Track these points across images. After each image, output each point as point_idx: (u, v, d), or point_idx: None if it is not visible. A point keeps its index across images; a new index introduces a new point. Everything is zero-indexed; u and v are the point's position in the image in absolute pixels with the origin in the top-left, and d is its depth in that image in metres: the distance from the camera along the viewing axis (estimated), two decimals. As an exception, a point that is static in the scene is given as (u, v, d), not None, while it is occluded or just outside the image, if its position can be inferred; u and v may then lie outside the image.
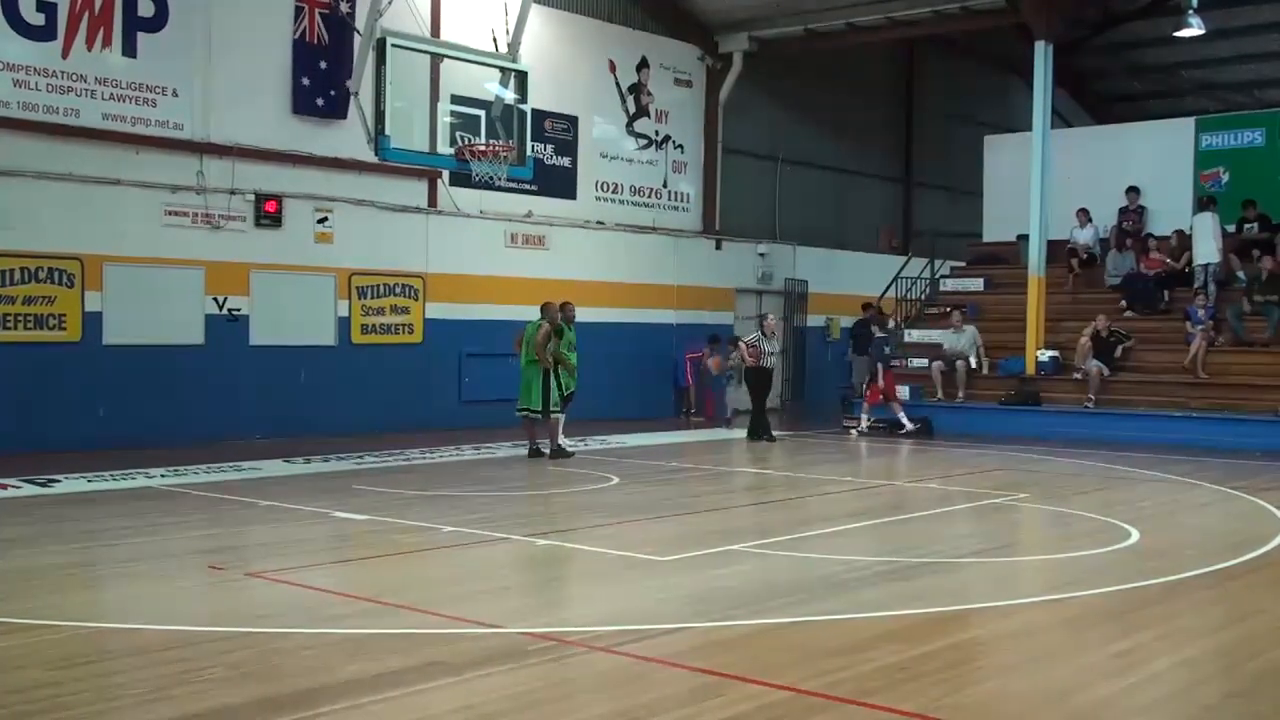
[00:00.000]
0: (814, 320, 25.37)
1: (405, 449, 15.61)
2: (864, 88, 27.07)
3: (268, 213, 16.89)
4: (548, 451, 15.02)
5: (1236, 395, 18.12)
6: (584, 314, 20.63)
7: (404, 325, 18.56)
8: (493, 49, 16.00)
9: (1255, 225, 21.19)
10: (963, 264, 24.82)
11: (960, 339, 20.65)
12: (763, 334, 18.44)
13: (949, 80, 28.62)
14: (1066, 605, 7.60)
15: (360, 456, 14.79)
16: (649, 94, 22.42)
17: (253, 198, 16.77)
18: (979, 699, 5.72)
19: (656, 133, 22.61)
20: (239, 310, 16.69)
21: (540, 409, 14.94)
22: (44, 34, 14.98)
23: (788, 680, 5.76)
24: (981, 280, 23.39)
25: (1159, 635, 6.94)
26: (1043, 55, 20.17)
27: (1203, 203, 21.18)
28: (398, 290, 18.48)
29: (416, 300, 18.70)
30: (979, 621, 7.24)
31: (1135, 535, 10.02)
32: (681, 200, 23.08)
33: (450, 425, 18.02)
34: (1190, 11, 22.99)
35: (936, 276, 24.39)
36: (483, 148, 17.06)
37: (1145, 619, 7.29)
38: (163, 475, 12.87)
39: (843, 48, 24.17)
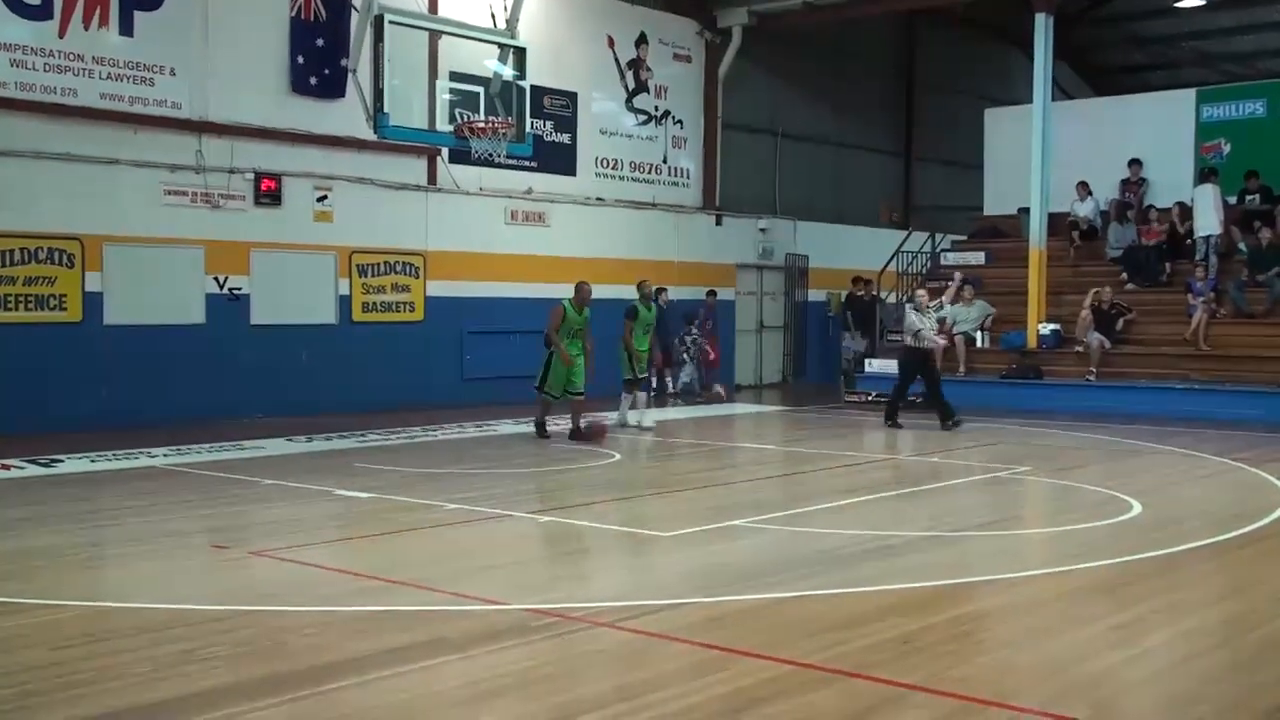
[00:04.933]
0: (815, 295, 25.36)
1: (407, 427, 15.63)
2: (864, 61, 26.98)
3: (267, 191, 16.86)
4: (583, 426, 14.70)
5: (1238, 367, 18.11)
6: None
7: (405, 303, 18.55)
8: (491, 25, 15.93)
9: (1257, 197, 21.15)
10: (964, 238, 24.78)
11: (969, 312, 20.67)
12: (917, 309, 16.50)
13: (949, 53, 28.51)
14: (1068, 577, 7.62)
15: (362, 435, 14.82)
16: (648, 69, 22.35)
17: (252, 177, 16.74)
18: (981, 671, 5.74)
19: (656, 108, 22.54)
20: (239, 290, 16.69)
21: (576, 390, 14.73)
22: (41, 13, 14.92)
23: (790, 654, 5.78)
24: (983, 254, 23.35)
25: (1160, 607, 6.96)
26: (1043, 27, 20.08)
27: (1204, 174, 21.15)
28: (398, 268, 18.47)
29: (417, 278, 18.69)
30: (981, 594, 7.26)
31: (1137, 507, 10.04)
32: (681, 176, 23.04)
33: (452, 403, 18.04)
34: (1193, -19, 22.90)
35: (938, 250, 24.37)
36: (482, 125, 17.01)
37: (1146, 591, 7.30)
38: (165, 455, 12.89)
39: (842, 21, 24.09)
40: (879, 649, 5.93)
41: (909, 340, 16.28)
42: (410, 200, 18.64)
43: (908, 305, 16.74)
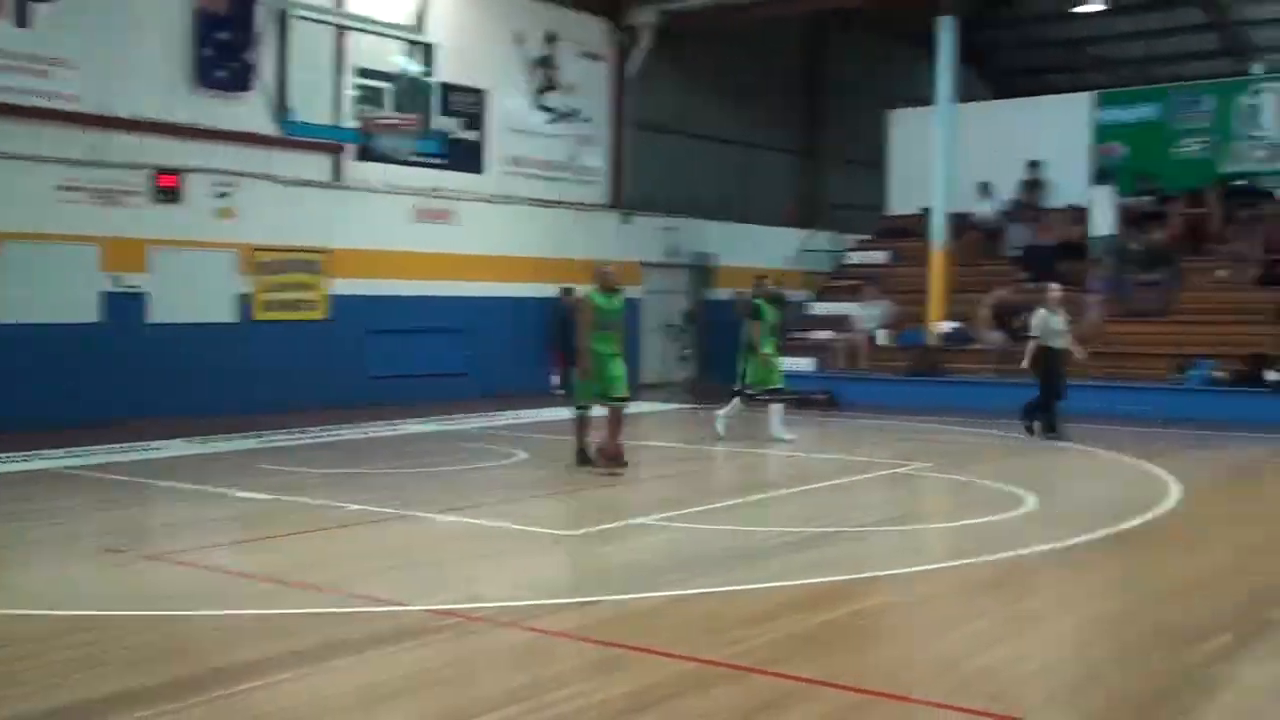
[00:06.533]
0: (722, 293, 25.51)
1: (309, 427, 15.44)
2: (773, 62, 27.19)
3: (167, 187, 16.52)
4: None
5: (1130, 364, 18.56)
6: (490, 289, 20.66)
7: (308, 301, 18.31)
8: (399, 21, 15.82)
9: (1149, 198, 21.72)
10: (869, 237, 25.12)
11: (872, 310, 20.96)
12: (1047, 309, 15.30)
13: (855, 54, 28.82)
14: (965, 571, 7.77)
15: (263, 435, 14.61)
16: (557, 67, 22.30)
17: (152, 173, 16.40)
18: (880, 665, 5.84)
19: (565, 106, 22.52)
20: (136, 287, 16.35)
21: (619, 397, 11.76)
22: (-70, 3, 14.50)
23: (692, 651, 5.83)
24: (887, 253, 23.70)
25: (1052, 599, 7.13)
26: (947, 30, 20.44)
27: (1099, 176, 21.71)
28: (302, 266, 18.22)
29: (322, 276, 18.46)
30: (881, 589, 7.37)
31: (1032, 502, 10.26)
32: (589, 174, 23.03)
33: (357, 403, 17.85)
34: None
35: (842, 249, 24.67)
36: (389, 121, 16.94)
37: (1040, 583, 7.48)
38: (58, 457, 12.59)
39: (751, 22, 24.25)
40: (780, 645, 6.01)
41: (1047, 342, 15.02)
42: (315, 197, 18.39)
43: (1039, 308, 15.37)
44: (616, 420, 11.69)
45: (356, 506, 9.74)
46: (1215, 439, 15.11)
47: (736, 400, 14.77)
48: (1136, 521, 9.45)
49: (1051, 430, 14.87)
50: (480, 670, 5.74)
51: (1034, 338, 15.15)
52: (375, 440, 14.73)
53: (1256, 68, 24.41)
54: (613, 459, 11.69)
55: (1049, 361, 15.03)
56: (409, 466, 12.45)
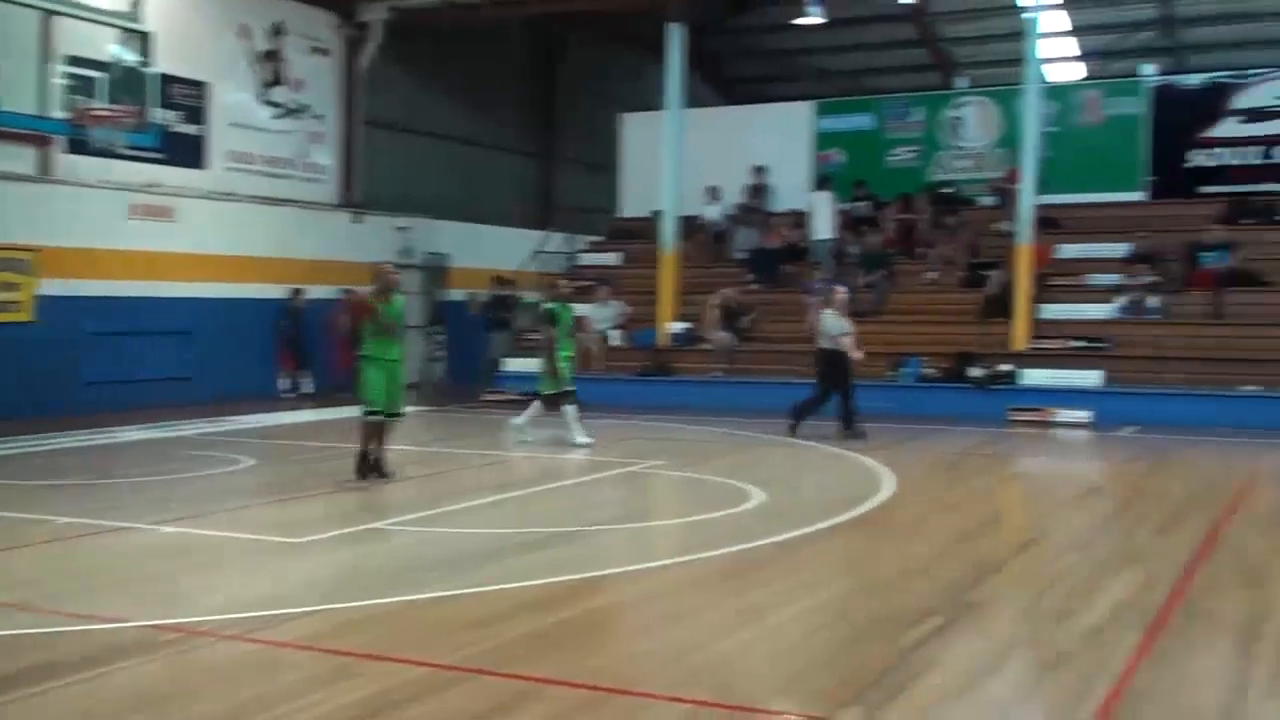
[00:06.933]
0: (456, 294, 25.35)
1: (15, 437, 14.46)
2: (506, 62, 27.18)
3: None
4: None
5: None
6: (214, 290, 19.89)
7: (12, 303, 17.16)
8: (112, 7, 15.03)
9: (865, 203, 22.82)
10: (601, 239, 25.46)
11: (605, 311, 21.23)
12: (834, 311, 15.60)
13: (588, 57, 29.13)
14: (696, 566, 7.97)
15: (-35, 445, 13.64)
16: (284, 61, 21.67)
17: None
18: (611, 661, 5.92)
19: (293, 102, 21.90)
20: None
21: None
22: None
23: (425, 656, 5.78)
24: (619, 255, 24.07)
25: (779, 589, 7.39)
26: (676, 36, 20.91)
27: (820, 181, 22.70)
28: (5, 265, 17.06)
29: (28, 276, 17.34)
30: (615, 586, 7.48)
31: (760, 496, 10.61)
32: (319, 172, 22.47)
33: (71, 410, 16.85)
34: (811, 0, 24.37)
35: (576, 251, 24.92)
36: (103, 112, 16.07)
37: (768, 575, 7.74)
38: None
39: (483, 22, 24.18)
40: (514, 645, 6.02)
41: (826, 344, 15.33)
42: (21, 192, 17.24)
43: (825, 311, 15.55)
44: (389, 429, 11.29)
45: (68, 520, 9.21)
46: (925, 432, 16.00)
47: (536, 403, 14.57)
48: (856, 512, 9.92)
49: (849, 428, 15.06)
50: (204, 686, 5.52)
51: (820, 336, 15.38)
52: (90, 449, 13.96)
53: (961, 82, 26.00)
54: (377, 468, 11.27)
55: (832, 362, 15.28)
56: (128, 476, 11.85)
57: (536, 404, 14.56)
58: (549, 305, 14.67)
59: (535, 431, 14.43)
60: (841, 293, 15.92)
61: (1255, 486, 11.79)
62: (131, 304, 18.47)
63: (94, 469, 12.28)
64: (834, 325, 15.38)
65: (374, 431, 11.18)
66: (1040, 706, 5.42)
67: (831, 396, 15.36)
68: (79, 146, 17.04)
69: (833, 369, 15.30)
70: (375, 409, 11.03)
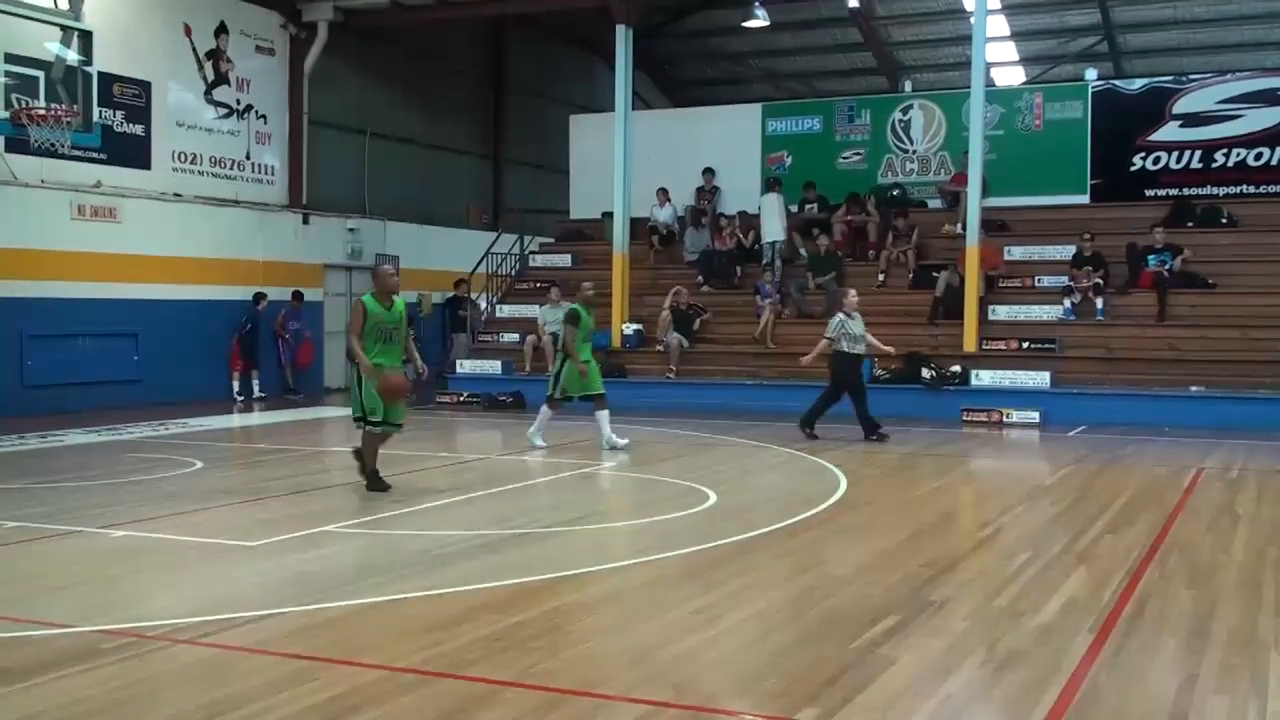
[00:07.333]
0: (406, 296, 25.21)
1: (-41, 440, 14.25)
2: (454, 64, 27.08)
3: None
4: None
5: (800, 364, 19.48)
6: (162, 292, 19.66)
7: (-47, 305, 16.92)
8: (51, 4, 14.81)
9: (815, 206, 22.92)
10: (551, 240, 25.42)
11: (557, 313, 21.15)
12: (845, 313, 15.25)
13: (537, 58, 29.10)
14: (652, 567, 7.96)
15: (-96, 450, 13.39)
16: (229, 61, 21.46)
17: None
18: (570, 663, 5.89)
19: (238, 102, 21.69)
20: None
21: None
22: None
23: (383, 659, 5.73)
24: (569, 256, 24.04)
25: (735, 590, 7.39)
26: (623, 39, 20.92)
27: (769, 184, 22.79)
28: (-55, 266, 16.81)
29: (-32, 277, 17.07)
30: (571, 588, 7.45)
31: (714, 497, 10.63)
32: (266, 173, 22.29)
33: (12, 413, 16.60)
34: (756, 3, 24.51)
35: (526, 252, 24.86)
36: (42, 111, 15.81)
37: (723, 575, 7.74)
38: None
39: (431, 22, 24.08)
40: (472, 648, 5.98)
41: (844, 346, 15.06)
42: (-41, 191, 17.01)
43: (840, 314, 15.18)
44: (383, 440, 10.98)
45: (13, 524, 9.06)
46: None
47: (545, 408, 14.42)
48: (810, 512, 9.95)
49: (874, 434, 15.00)
50: (157, 691, 5.43)
51: (829, 339, 15.28)
52: (36, 452, 13.75)
53: (907, 85, 26.20)
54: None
55: (844, 365, 15.15)
56: (74, 479, 11.67)
57: (546, 408, 14.42)
58: (572, 306, 14.56)
59: (615, 436, 14.12)
60: (852, 295, 15.66)
61: (1202, 486, 11.96)
62: (76, 306, 18.24)
63: (39, 472, 12.08)
64: (856, 328, 15.18)
65: (379, 442, 10.86)
66: (995, 705, 5.46)
67: (840, 399, 15.27)
68: (20, 146, 16.78)
69: (849, 373, 15.20)
70: (377, 418, 10.68)
